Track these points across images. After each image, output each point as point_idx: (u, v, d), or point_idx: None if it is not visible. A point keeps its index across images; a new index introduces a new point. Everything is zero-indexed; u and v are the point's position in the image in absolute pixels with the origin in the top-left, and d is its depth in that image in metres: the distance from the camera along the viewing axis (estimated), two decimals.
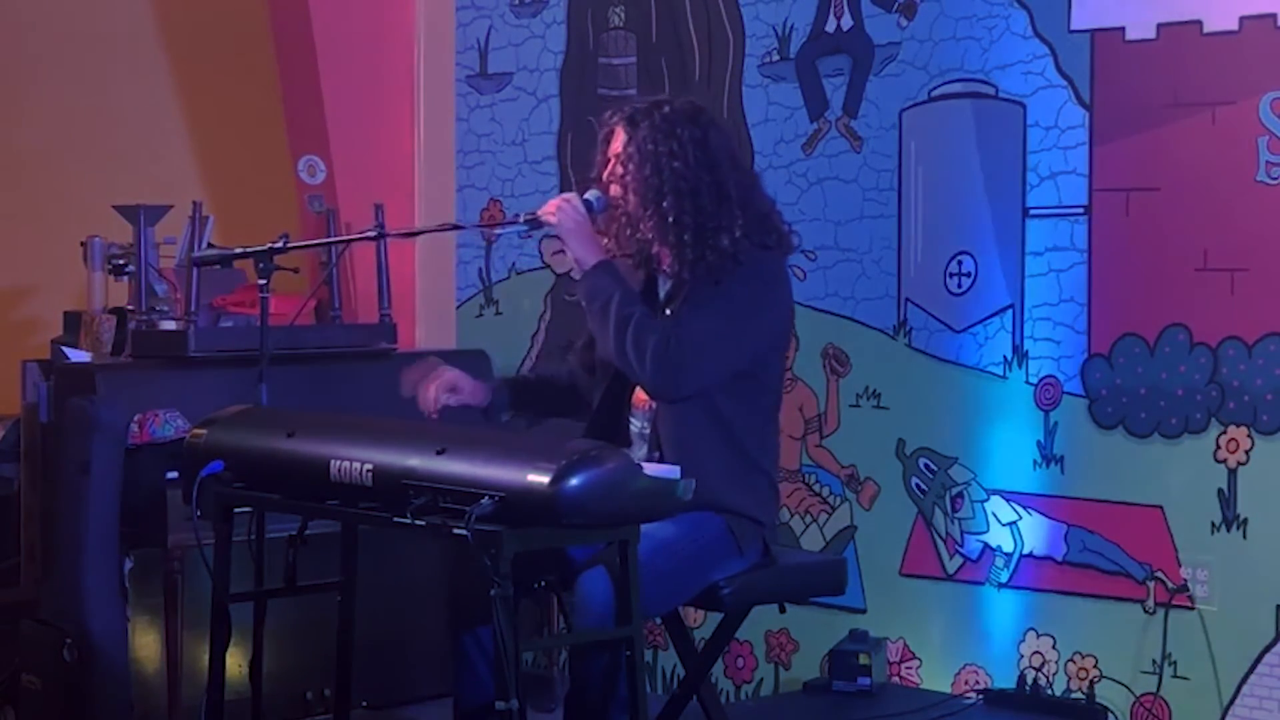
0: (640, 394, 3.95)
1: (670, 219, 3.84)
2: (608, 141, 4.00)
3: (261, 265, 4.08)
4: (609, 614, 3.52)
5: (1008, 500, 4.65)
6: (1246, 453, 4.25)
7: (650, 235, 3.88)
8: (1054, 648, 4.58)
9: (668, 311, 3.92)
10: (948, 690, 4.74)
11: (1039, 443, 4.59)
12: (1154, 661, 4.39)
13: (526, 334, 5.66)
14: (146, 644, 4.82)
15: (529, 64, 5.67)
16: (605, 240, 4.00)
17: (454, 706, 3.85)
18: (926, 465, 4.79)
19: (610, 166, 3.96)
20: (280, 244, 4.10)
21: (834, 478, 5.00)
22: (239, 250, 4.22)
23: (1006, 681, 4.64)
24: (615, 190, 3.94)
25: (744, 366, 3.89)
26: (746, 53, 5.15)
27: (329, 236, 5.34)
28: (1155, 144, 4.39)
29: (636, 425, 3.96)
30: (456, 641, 3.81)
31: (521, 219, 4.01)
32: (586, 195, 3.96)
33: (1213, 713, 4.30)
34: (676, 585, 3.78)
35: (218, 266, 5.13)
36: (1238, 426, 4.26)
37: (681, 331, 3.81)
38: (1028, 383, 4.61)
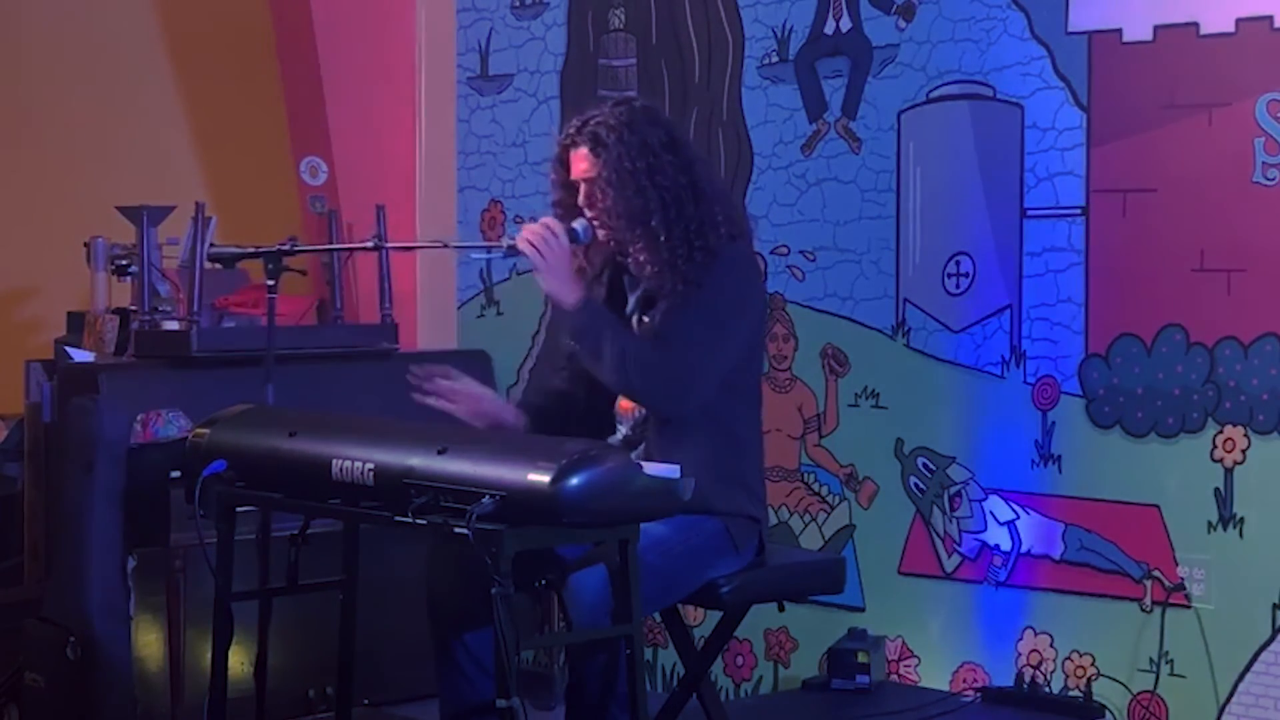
0: (625, 401, 3.94)
1: (662, 236, 3.80)
2: (565, 163, 3.92)
3: (271, 266, 4.17)
4: (600, 611, 3.53)
5: (1006, 499, 4.67)
6: (1243, 452, 4.27)
7: (642, 255, 3.84)
8: (1051, 646, 4.59)
9: (645, 319, 3.88)
10: (946, 688, 4.75)
11: (1036, 442, 4.60)
12: (1151, 660, 4.40)
13: (527, 334, 5.67)
14: (149, 642, 4.83)
15: (529, 66, 5.69)
16: (577, 261, 3.93)
17: (440, 711, 3.86)
18: (925, 464, 4.81)
19: (586, 193, 3.88)
20: (289, 246, 4.22)
21: (833, 477, 5.01)
22: (251, 250, 4.35)
23: (1004, 679, 4.65)
24: (597, 217, 3.87)
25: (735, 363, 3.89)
26: (746, 54, 5.16)
27: (331, 237, 5.46)
28: (1152, 145, 4.40)
29: (622, 431, 3.94)
30: (441, 647, 3.81)
31: (504, 245, 3.97)
32: (573, 224, 3.89)
33: (1209, 711, 4.31)
34: (671, 582, 3.77)
35: (218, 266, 5.20)
36: (1234, 426, 4.28)
37: (677, 350, 3.78)
38: (1025, 382, 4.62)
